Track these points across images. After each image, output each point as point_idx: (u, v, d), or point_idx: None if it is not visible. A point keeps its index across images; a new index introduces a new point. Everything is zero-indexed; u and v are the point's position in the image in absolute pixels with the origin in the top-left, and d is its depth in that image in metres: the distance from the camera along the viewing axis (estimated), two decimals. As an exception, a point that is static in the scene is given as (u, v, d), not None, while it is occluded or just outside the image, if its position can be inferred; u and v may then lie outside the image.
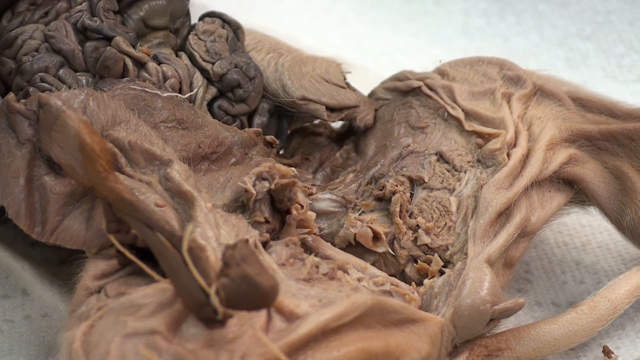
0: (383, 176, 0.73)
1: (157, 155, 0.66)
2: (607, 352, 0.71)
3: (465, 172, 0.72)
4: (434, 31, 1.09)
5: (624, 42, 1.06)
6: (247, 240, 0.58)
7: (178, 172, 0.65)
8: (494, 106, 0.75)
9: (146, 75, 0.72)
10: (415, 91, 0.78)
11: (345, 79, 0.79)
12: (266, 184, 0.67)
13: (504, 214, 0.70)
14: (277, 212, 0.68)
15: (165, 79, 0.73)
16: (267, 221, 0.67)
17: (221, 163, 0.71)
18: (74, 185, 0.64)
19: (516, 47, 1.06)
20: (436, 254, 0.69)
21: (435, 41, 1.08)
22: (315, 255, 0.66)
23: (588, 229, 0.83)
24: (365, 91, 0.81)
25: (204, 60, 0.75)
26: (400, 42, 1.08)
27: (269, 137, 0.75)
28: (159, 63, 0.73)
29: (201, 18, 0.78)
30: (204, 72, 0.75)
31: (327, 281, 0.64)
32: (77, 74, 0.71)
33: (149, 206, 0.61)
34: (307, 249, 0.67)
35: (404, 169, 0.73)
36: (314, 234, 0.68)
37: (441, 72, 0.79)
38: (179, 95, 0.72)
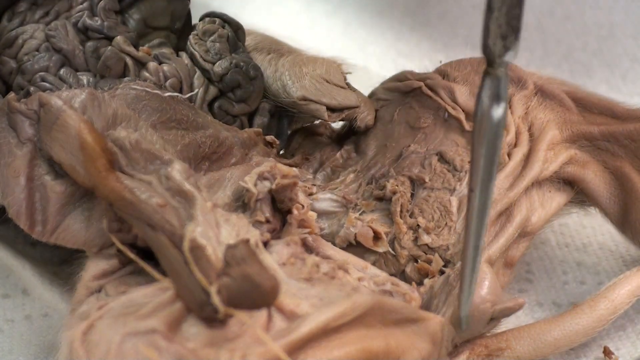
0: (383, 176, 0.73)
1: (158, 155, 0.66)
2: (607, 352, 0.71)
3: (465, 172, 0.72)
4: (437, 42, 1.09)
5: (628, 55, 1.06)
6: (248, 240, 0.58)
7: (179, 171, 0.65)
8: (494, 106, 0.75)
9: (147, 75, 0.72)
10: (415, 91, 0.78)
11: (345, 80, 0.79)
12: (267, 184, 0.67)
13: (505, 214, 0.70)
14: (277, 211, 0.68)
15: (166, 78, 0.73)
16: (268, 221, 0.67)
17: (222, 163, 0.71)
18: (74, 185, 0.64)
19: (520, 60, 1.06)
20: (437, 254, 0.69)
21: (439, 50, 1.08)
22: (315, 255, 0.67)
23: (589, 230, 0.83)
24: (367, 92, 0.81)
25: (204, 60, 0.75)
26: (403, 48, 1.08)
27: (269, 137, 0.75)
28: (160, 63, 0.73)
29: (202, 18, 0.78)
30: (204, 72, 0.75)
31: (328, 281, 0.64)
32: (78, 73, 0.71)
33: (150, 206, 0.61)
34: (308, 248, 0.68)
35: (405, 169, 0.73)
36: (314, 233, 0.68)
37: (442, 72, 0.79)
38: (180, 95, 0.72)
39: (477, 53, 1.02)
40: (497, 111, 0.54)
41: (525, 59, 1.06)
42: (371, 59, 1.06)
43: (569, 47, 1.08)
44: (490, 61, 0.54)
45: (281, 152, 0.79)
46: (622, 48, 1.07)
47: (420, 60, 1.04)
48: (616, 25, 1.09)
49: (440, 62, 0.81)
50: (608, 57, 1.06)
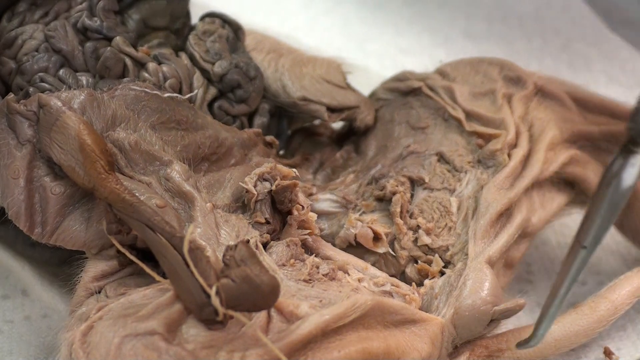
0: (383, 176, 0.73)
1: (157, 156, 0.66)
2: (608, 353, 0.71)
3: (465, 173, 0.72)
4: (437, 33, 1.09)
5: (626, 46, 1.06)
6: (247, 241, 0.58)
7: (178, 172, 0.65)
8: (494, 107, 0.75)
9: (146, 75, 0.72)
10: (415, 92, 0.78)
11: (345, 80, 0.79)
12: (267, 184, 0.67)
13: (505, 215, 0.70)
14: (277, 212, 0.68)
15: (165, 79, 0.72)
16: (267, 222, 0.67)
17: (221, 164, 0.71)
18: (74, 186, 0.64)
19: (519, 50, 1.06)
20: (437, 255, 0.69)
21: (438, 44, 1.08)
22: (315, 256, 0.66)
23: (589, 230, 0.83)
24: (367, 92, 0.81)
25: (204, 61, 0.75)
26: (402, 44, 1.08)
27: (268, 138, 0.75)
28: (159, 63, 0.73)
29: (201, 18, 0.78)
30: (204, 72, 0.75)
31: (328, 282, 0.64)
32: (77, 74, 0.71)
33: (149, 207, 0.61)
34: (308, 249, 0.67)
35: (405, 170, 0.73)
36: (314, 234, 0.68)
37: (442, 72, 0.79)
38: (179, 95, 0.72)
39: (476, 44, 1.01)
40: (628, 179, 0.57)
41: (523, 48, 1.06)
42: (371, 56, 1.06)
43: (567, 37, 1.07)
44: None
45: (281, 152, 0.79)
46: (620, 38, 1.07)
47: (420, 55, 1.04)
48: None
49: (441, 61, 0.81)
50: (606, 47, 1.06)
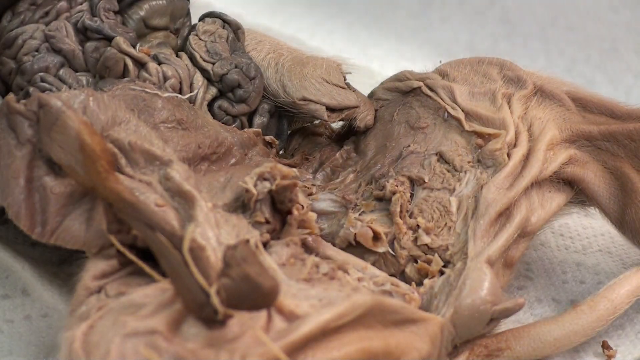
0: (383, 176, 0.73)
1: (157, 155, 0.66)
2: (606, 346, 0.71)
3: (465, 173, 0.72)
4: (439, 48, 1.09)
5: (631, 71, 1.05)
6: (247, 241, 0.58)
7: (178, 172, 0.65)
8: (494, 106, 0.75)
9: (146, 75, 0.72)
10: (415, 91, 0.78)
11: (345, 80, 0.79)
12: (267, 184, 0.67)
13: (504, 214, 0.70)
14: (277, 212, 0.68)
15: (165, 79, 0.73)
16: (267, 221, 0.67)
17: (221, 163, 0.71)
18: (74, 185, 0.64)
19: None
20: (436, 254, 0.69)
21: (440, 54, 1.08)
22: (315, 256, 0.66)
23: (589, 231, 0.83)
24: (367, 92, 0.81)
25: (204, 61, 0.75)
26: (405, 52, 1.08)
27: (268, 138, 0.75)
28: (159, 63, 0.73)
29: (202, 18, 0.78)
30: (204, 72, 0.75)
31: (328, 281, 0.64)
32: (77, 74, 0.71)
33: (149, 206, 0.61)
34: (308, 249, 0.67)
35: (404, 169, 0.73)
36: (314, 234, 0.68)
37: (441, 72, 0.79)
38: (179, 95, 0.72)
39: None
40: None
41: (527, 67, 1.06)
42: (373, 61, 1.06)
43: (572, 59, 1.07)
44: None
45: (281, 152, 0.79)
46: (625, 63, 1.06)
47: (422, 63, 1.04)
48: (618, 39, 1.09)
49: (440, 61, 0.81)
50: (611, 71, 1.05)
